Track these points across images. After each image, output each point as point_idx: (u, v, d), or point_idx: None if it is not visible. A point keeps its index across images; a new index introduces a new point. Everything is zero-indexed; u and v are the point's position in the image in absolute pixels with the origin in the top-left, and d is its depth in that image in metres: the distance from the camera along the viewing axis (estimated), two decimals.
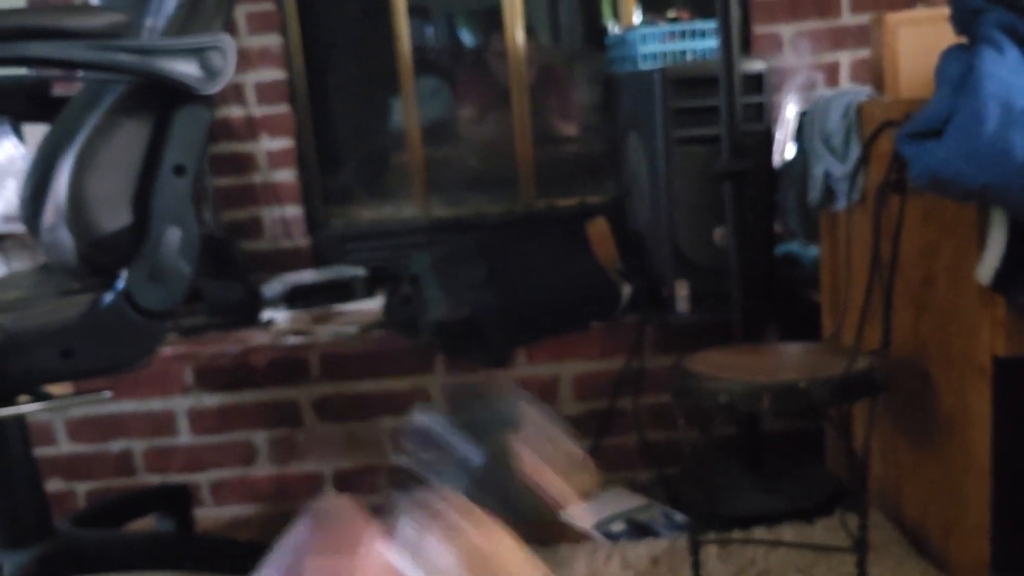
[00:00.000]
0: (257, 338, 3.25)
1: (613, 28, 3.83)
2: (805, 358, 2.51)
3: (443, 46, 3.98)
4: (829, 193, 2.86)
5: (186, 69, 2.06)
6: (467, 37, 4.00)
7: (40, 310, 2.01)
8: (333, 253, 3.85)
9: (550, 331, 3.19)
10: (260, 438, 3.25)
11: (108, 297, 2.03)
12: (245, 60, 3.67)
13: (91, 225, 2.00)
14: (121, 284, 2.04)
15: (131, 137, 2.10)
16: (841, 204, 2.79)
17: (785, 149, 3.39)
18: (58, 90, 2.55)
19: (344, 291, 3.54)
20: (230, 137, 3.69)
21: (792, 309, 3.16)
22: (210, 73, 2.07)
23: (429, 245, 3.77)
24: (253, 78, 3.68)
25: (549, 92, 3.91)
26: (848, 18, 3.62)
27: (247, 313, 3.45)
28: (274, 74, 3.69)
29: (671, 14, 3.49)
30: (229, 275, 3.52)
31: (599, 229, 3.45)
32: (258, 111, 3.68)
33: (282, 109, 3.71)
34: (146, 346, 2.09)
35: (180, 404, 3.32)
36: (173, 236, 2.08)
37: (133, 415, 3.36)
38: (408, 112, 3.85)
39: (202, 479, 3.32)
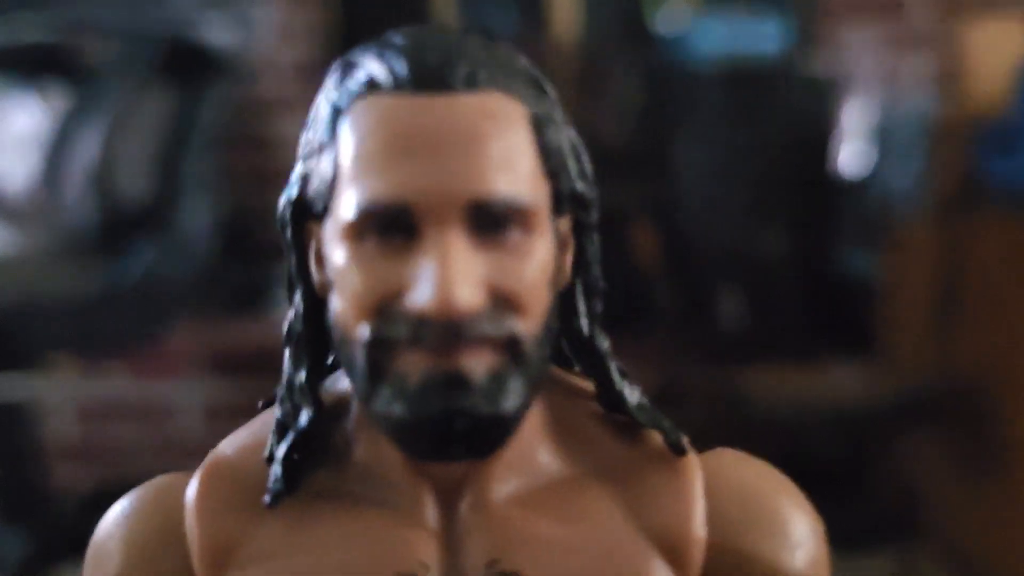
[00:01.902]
0: (270, 323, 3.20)
1: (662, 21, 3.74)
2: (858, 379, 2.40)
3: (482, 32, 3.90)
4: (894, 204, 2.78)
5: (219, 39, 2.01)
6: (511, 25, 3.93)
7: (57, 278, 1.97)
8: None
9: None
10: None
11: (128, 266, 2.00)
12: (279, 37, 3.61)
13: (117, 192, 1.95)
14: (143, 254, 1.99)
15: (161, 107, 2.06)
16: (906, 216, 2.71)
17: (850, 157, 3.33)
18: (85, 55, 2.48)
19: None
20: (255, 116, 3.63)
21: (849, 323, 3.07)
22: (243, 44, 2.03)
23: None
24: (288, 56, 3.62)
25: (591, 85, 3.83)
26: (919, 24, 3.54)
27: (261, 297, 3.43)
28: (308, 53, 3.62)
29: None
30: (245, 258, 3.51)
31: (641, 232, 3.37)
32: (288, 91, 3.62)
33: (312, 89, 3.63)
34: (163, 319, 2.06)
35: (192, 389, 3.26)
36: (198, 210, 2.05)
37: (143, 398, 3.30)
38: None
39: None
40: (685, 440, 0.75)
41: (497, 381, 0.69)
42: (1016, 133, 2.03)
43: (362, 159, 0.70)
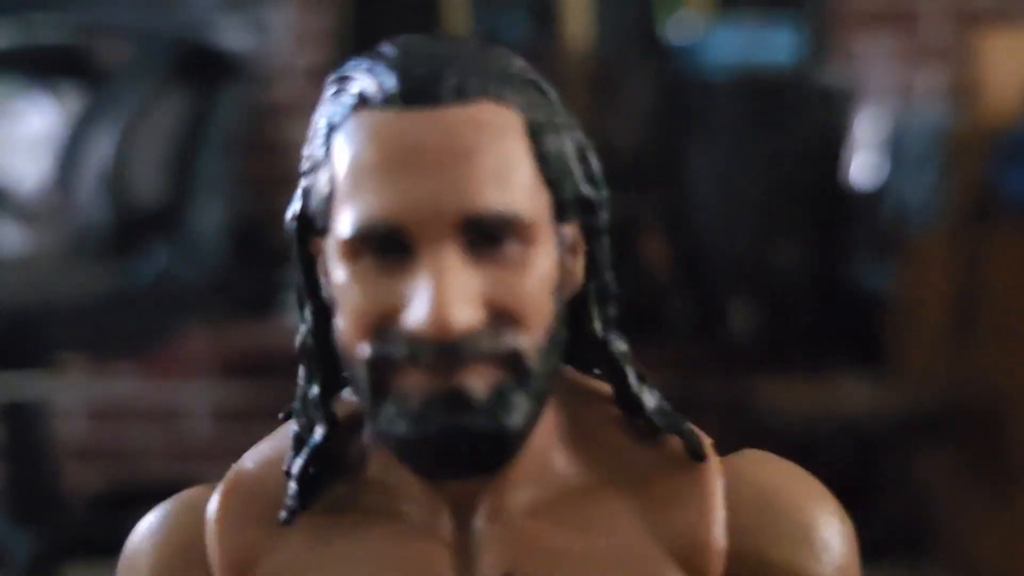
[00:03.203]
0: (281, 326, 3.21)
1: (675, 30, 3.74)
2: (870, 391, 2.39)
3: (494, 39, 3.91)
4: (908, 216, 2.77)
5: (234, 43, 2.02)
6: (524, 32, 3.93)
7: (70, 278, 1.97)
8: None
9: None
10: None
11: (141, 268, 2.00)
12: (293, 41, 3.61)
13: (130, 194, 1.96)
14: (156, 256, 2.00)
15: (175, 110, 2.07)
16: (920, 228, 2.70)
17: (863, 168, 3.32)
18: (101, 57, 2.48)
19: None
20: (269, 120, 3.64)
21: (861, 335, 3.06)
22: (260, 47, 2.03)
23: None
24: (301, 61, 3.62)
25: (604, 94, 3.83)
26: (933, 35, 3.53)
27: (272, 300, 3.43)
28: (321, 57, 3.62)
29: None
30: (257, 261, 3.51)
31: (653, 242, 3.37)
32: (301, 95, 3.62)
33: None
34: (175, 321, 2.06)
35: (201, 391, 3.27)
36: (211, 213, 2.05)
37: (154, 399, 3.30)
38: None
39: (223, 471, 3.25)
40: (707, 443, 0.74)
41: (500, 397, 0.68)
42: None
43: (355, 176, 0.69)
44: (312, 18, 3.64)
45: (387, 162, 0.68)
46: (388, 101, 0.69)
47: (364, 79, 0.71)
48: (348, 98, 0.71)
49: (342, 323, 0.70)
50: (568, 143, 0.72)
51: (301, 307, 0.75)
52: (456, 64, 0.70)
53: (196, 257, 2.06)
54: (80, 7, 2.04)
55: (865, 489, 3.07)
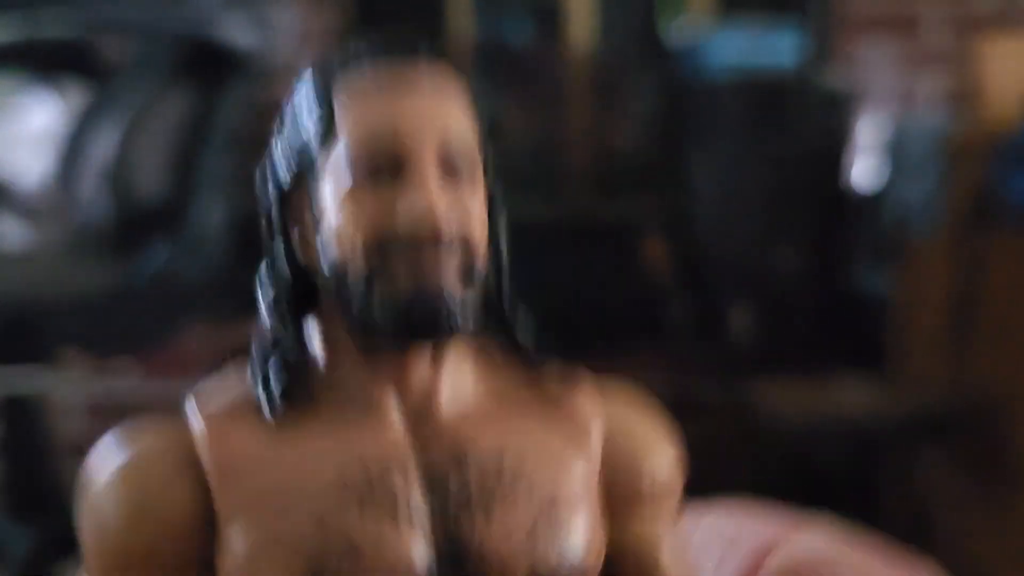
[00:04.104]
0: None
1: (678, 33, 3.74)
2: (870, 395, 2.40)
3: (497, 42, 3.91)
4: (909, 220, 2.77)
5: (239, 40, 2.02)
6: (527, 35, 3.93)
7: (71, 275, 1.97)
8: None
9: (592, 347, 3.09)
10: None
11: (143, 265, 2.00)
12: (297, 40, 3.61)
13: (133, 191, 1.96)
14: (158, 254, 2.00)
15: (179, 107, 2.07)
16: (920, 232, 2.70)
17: (864, 172, 3.32)
18: (104, 53, 2.48)
19: None
20: (272, 119, 3.63)
21: (861, 338, 3.06)
22: (263, 45, 2.03)
23: None
24: (305, 59, 3.62)
25: (606, 97, 3.83)
26: (934, 40, 3.54)
27: None
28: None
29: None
30: (258, 261, 3.51)
31: (654, 245, 3.37)
32: None
33: None
34: (176, 319, 2.06)
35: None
36: (214, 211, 2.06)
37: (154, 397, 3.29)
38: None
39: None
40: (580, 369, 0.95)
41: (463, 304, 0.87)
42: None
43: (356, 110, 0.87)
44: (316, 17, 3.64)
45: (385, 97, 0.87)
46: (378, 56, 0.89)
47: (352, 48, 0.90)
48: (341, 61, 0.90)
49: (338, 238, 0.87)
50: (485, 116, 0.91)
51: (271, 240, 0.92)
52: (421, 39, 0.91)
53: (198, 255, 2.06)
54: (84, 3, 2.04)
55: (865, 492, 3.08)
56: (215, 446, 0.87)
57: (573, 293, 3.11)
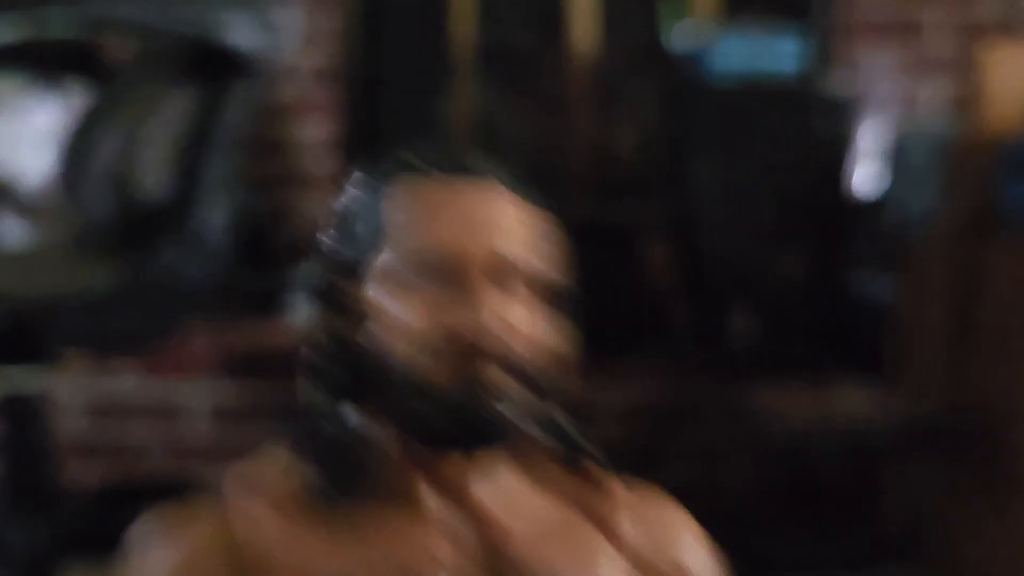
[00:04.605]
0: (283, 326, 3.20)
1: (680, 38, 3.74)
2: (869, 401, 2.40)
3: (501, 46, 3.91)
4: (910, 226, 2.77)
5: (243, 41, 2.02)
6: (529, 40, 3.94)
7: (74, 274, 1.97)
8: None
9: (593, 350, 3.10)
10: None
11: (145, 265, 2.01)
12: (302, 42, 3.61)
13: (136, 191, 1.96)
14: (160, 254, 2.00)
15: (182, 107, 2.07)
16: (921, 238, 2.70)
17: (866, 178, 3.32)
18: (108, 54, 2.49)
19: None
20: (275, 120, 3.63)
21: (862, 344, 3.06)
22: (267, 46, 2.04)
23: None
24: (309, 61, 3.62)
25: (608, 102, 3.83)
26: (936, 46, 3.54)
27: (275, 300, 3.42)
28: (329, 59, 3.62)
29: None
30: (261, 261, 3.50)
31: (656, 249, 3.37)
32: (308, 96, 3.62)
33: (333, 94, 3.64)
34: (178, 319, 2.06)
35: (202, 390, 3.27)
36: (216, 211, 2.06)
37: (154, 397, 3.29)
38: (459, 107, 3.78)
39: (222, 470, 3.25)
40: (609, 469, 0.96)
41: (512, 405, 0.88)
42: None
43: (410, 221, 0.90)
44: (320, 19, 3.64)
45: (438, 211, 0.90)
46: (429, 170, 0.92)
47: (401, 157, 0.93)
48: (391, 168, 0.93)
49: (391, 338, 0.89)
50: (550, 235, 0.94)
51: (328, 336, 0.92)
52: (470, 152, 0.94)
53: (200, 255, 2.07)
54: (88, 3, 2.04)
55: (863, 497, 3.08)
56: (260, 545, 0.89)
57: (574, 296, 3.11)
